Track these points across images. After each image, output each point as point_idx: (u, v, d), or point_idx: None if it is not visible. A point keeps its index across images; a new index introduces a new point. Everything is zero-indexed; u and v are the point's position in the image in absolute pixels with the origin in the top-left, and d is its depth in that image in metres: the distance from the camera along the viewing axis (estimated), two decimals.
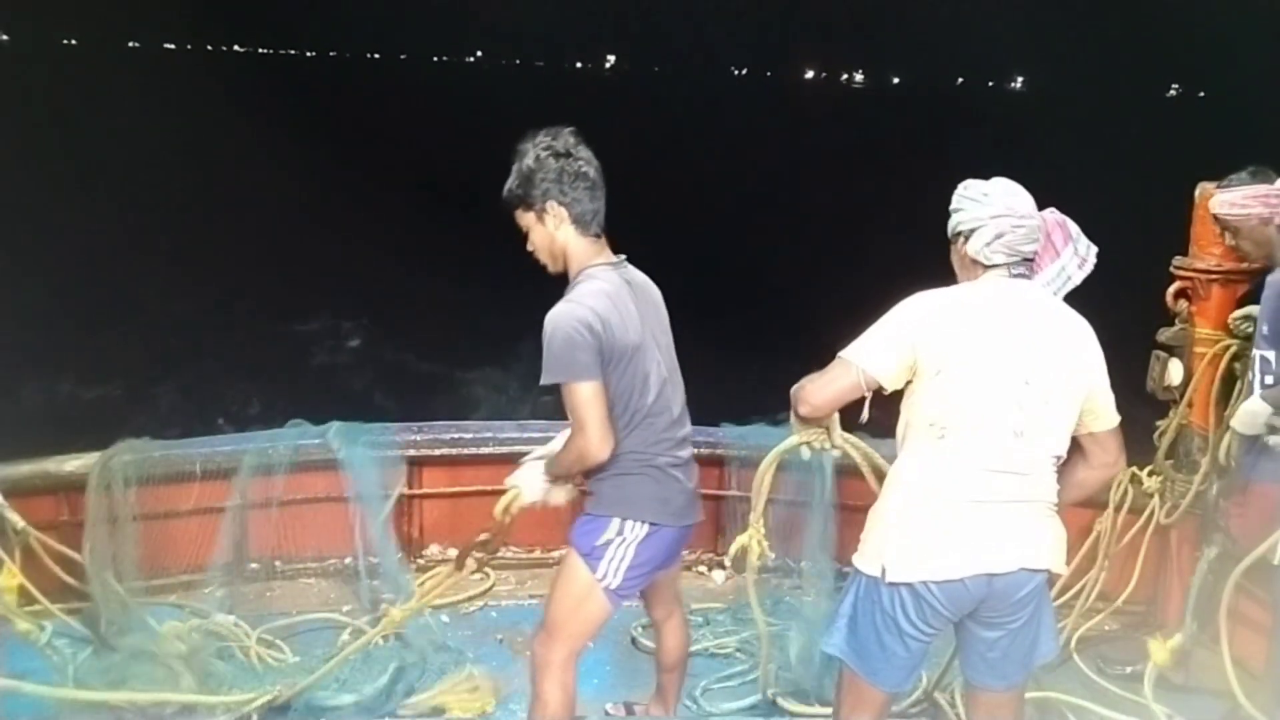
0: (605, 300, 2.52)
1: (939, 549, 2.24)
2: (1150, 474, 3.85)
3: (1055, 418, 2.29)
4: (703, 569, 4.37)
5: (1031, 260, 2.35)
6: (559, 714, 2.67)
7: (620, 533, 2.59)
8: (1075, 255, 2.33)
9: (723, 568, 4.30)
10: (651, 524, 2.60)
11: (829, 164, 34.94)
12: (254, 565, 4.07)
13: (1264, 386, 3.17)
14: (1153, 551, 3.84)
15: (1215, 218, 3.35)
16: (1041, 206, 2.38)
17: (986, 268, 2.35)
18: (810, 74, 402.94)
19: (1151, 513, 3.79)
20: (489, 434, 4.27)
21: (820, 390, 2.34)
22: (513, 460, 3.96)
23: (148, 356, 11.41)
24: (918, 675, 2.42)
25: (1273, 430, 3.11)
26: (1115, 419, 2.38)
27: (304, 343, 13.01)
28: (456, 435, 4.29)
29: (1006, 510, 2.26)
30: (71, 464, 3.77)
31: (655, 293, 2.74)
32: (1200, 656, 3.52)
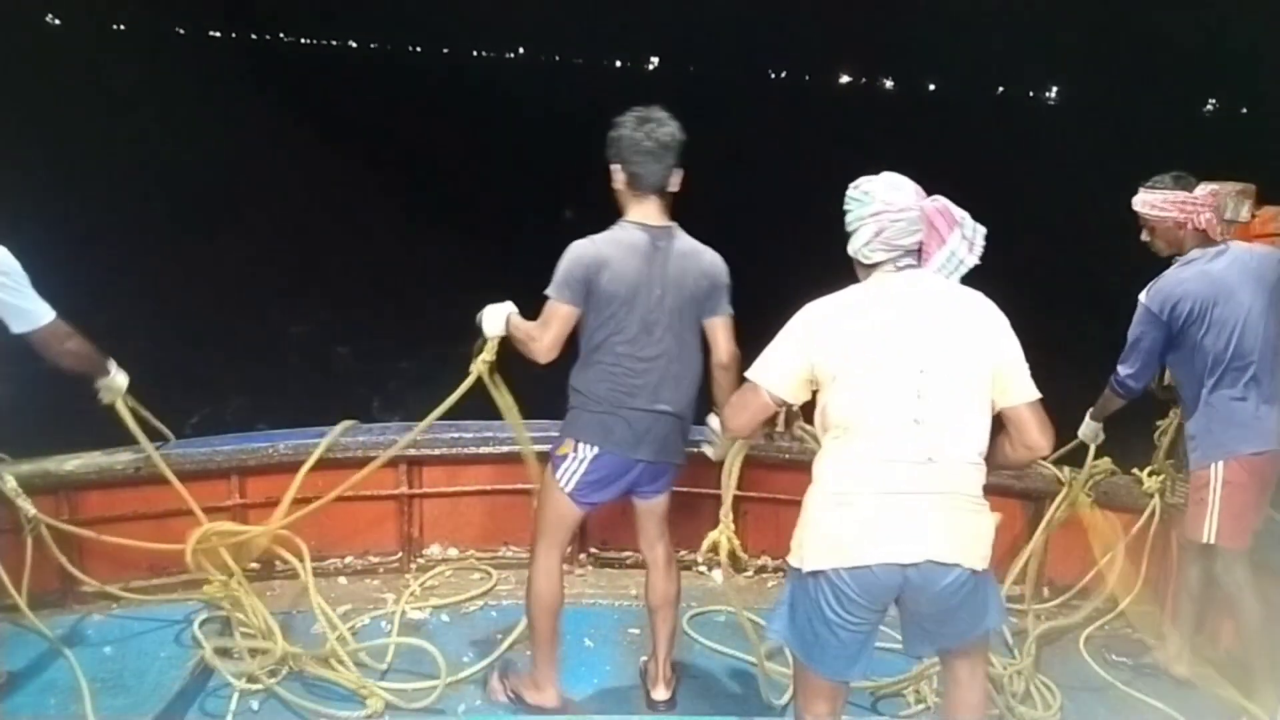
0: (614, 246, 2.97)
1: (848, 539, 2.28)
2: (1150, 474, 3.94)
3: (959, 402, 2.29)
4: (703, 569, 4.31)
5: (918, 250, 2.37)
6: (544, 591, 3.18)
7: (575, 451, 3.09)
8: (963, 239, 2.34)
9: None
10: (599, 447, 3.06)
11: (852, 171, 34.62)
12: (254, 565, 4.07)
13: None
14: (1156, 551, 3.88)
15: (1135, 214, 3.54)
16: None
17: (870, 266, 2.40)
18: (846, 79, 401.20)
19: (1153, 513, 3.84)
20: (489, 434, 4.24)
21: (736, 415, 2.52)
22: (512, 460, 4.01)
23: (155, 355, 11.47)
24: (863, 667, 2.39)
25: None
26: (1030, 394, 2.35)
27: (314, 339, 13.05)
28: (456, 435, 4.26)
29: (915, 501, 2.26)
30: (71, 464, 3.77)
31: (698, 260, 3.07)
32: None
